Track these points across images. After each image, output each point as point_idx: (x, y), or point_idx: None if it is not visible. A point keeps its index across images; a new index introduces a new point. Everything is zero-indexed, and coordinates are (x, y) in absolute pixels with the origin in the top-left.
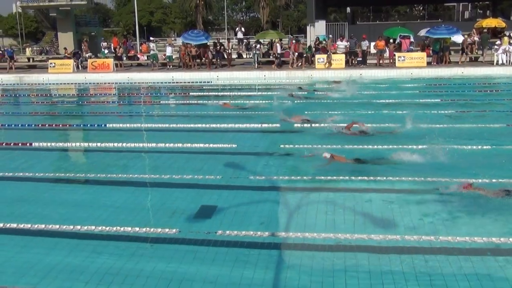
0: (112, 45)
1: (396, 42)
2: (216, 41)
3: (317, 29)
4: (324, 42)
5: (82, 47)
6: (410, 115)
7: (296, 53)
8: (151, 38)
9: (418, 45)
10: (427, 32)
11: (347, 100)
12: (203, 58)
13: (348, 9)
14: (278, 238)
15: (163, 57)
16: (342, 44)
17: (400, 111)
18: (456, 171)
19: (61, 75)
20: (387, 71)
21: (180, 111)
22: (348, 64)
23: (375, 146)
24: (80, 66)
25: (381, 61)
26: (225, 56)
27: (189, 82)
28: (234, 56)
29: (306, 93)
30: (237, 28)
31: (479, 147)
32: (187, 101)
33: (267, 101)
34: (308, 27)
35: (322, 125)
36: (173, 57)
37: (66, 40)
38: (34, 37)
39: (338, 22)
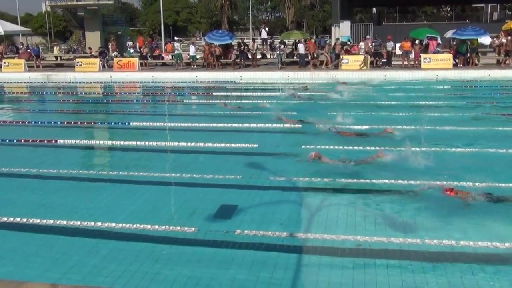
0: (137, 44)
1: (423, 43)
2: (240, 41)
3: (342, 30)
4: (349, 43)
5: (109, 46)
6: (432, 117)
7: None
8: (176, 38)
9: (445, 46)
10: (454, 34)
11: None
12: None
13: (374, 10)
14: (297, 239)
15: (188, 57)
16: (363, 45)
17: (422, 114)
18: (480, 174)
19: (87, 74)
20: (412, 73)
21: (202, 110)
22: (373, 65)
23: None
24: (106, 65)
25: (406, 62)
26: (249, 56)
27: (212, 82)
28: (258, 56)
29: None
30: (261, 28)
31: (506, 150)
32: (210, 101)
33: (289, 102)
34: (332, 28)
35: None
36: (197, 56)
37: (93, 39)
38: (62, 36)
39: (364, 22)
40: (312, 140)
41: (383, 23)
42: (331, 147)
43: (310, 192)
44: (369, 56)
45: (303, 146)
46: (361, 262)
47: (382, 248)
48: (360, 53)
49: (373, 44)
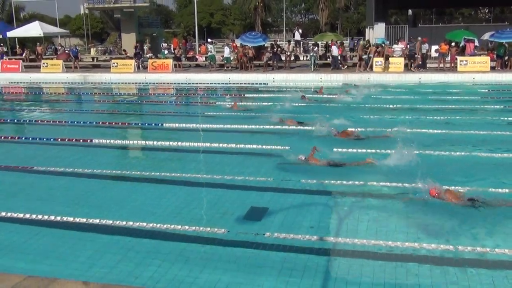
0: (172, 46)
1: (460, 46)
2: (273, 42)
3: (377, 32)
4: (383, 45)
5: (144, 47)
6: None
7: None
8: (209, 40)
9: (482, 49)
10: (492, 36)
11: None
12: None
13: (410, 11)
14: (327, 243)
15: (221, 58)
16: (398, 47)
17: (457, 117)
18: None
19: (122, 75)
20: (448, 75)
21: (234, 112)
22: (407, 67)
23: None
24: (141, 66)
25: (442, 65)
26: (282, 58)
27: (245, 84)
28: (292, 58)
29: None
30: (295, 30)
31: None
32: (242, 102)
33: (322, 104)
34: (367, 30)
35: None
36: (231, 58)
37: (129, 40)
38: (99, 37)
39: (399, 24)
40: (341, 143)
41: (419, 25)
42: (363, 150)
43: (341, 195)
44: (403, 59)
45: (335, 149)
46: (392, 266)
47: (414, 254)
48: (395, 55)
49: (408, 46)
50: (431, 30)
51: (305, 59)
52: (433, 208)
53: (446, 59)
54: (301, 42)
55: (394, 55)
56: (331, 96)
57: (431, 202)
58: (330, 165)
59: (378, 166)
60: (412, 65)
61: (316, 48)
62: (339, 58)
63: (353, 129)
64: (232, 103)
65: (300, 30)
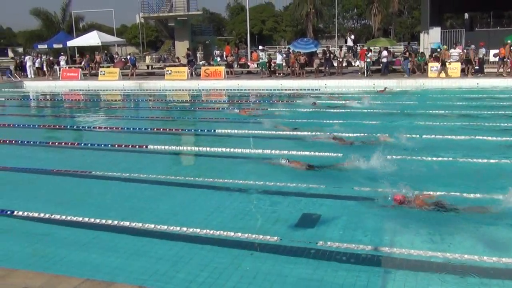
0: (224, 53)
1: None
2: (325, 48)
3: (432, 37)
4: (439, 50)
5: (197, 55)
6: None
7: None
8: (260, 47)
9: None
10: None
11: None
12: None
13: (466, 15)
14: (381, 252)
15: (273, 65)
16: (455, 52)
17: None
18: None
19: (176, 82)
20: (508, 81)
21: (286, 118)
22: (464, 72)
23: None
24: (194, 73)
25: (501, 70)
26: (334, 64)
27: (296, 90)
28: (344, 64)
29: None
30: (347, 36)
31: None
32: (293, 109)
33: (375, 110)
34: (421, 34)
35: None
36: (283, 64)
37: (182, 48)
38: (153, 45)
39: (455, 28)
40: (395, 150)
41: (476, 28)
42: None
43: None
44: (459, 64)
45: (389, 157)
46: (449, 279)
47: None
48: (451, 60)
49: (465, 50)
50: (489, 34)
51: (356, 65)
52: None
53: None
54: (353, 48)
55: (451, 60)
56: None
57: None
58: (308, 168)
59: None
60: (469, 70)
61: (370, 53)
62: (385, 63)
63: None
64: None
65: (353, 36)
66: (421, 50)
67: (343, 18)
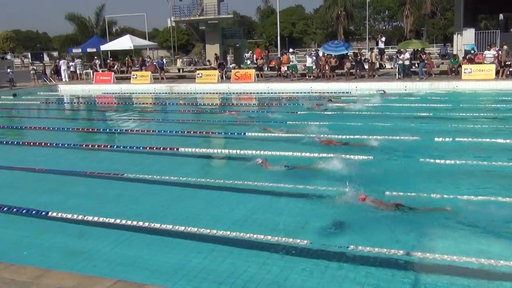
0: (254, 56)
1: None
2: (357, 51)
3: (465, 38)
4: (472, 51)
5: (227, 58)
6: None
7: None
8: (291, 50)
9: None
10: None
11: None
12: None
13: (501, 16)
14: (414, 258)
15: (303, 68)
16: (490, 53)
17: None
18: None
19: (206, 85)
20: None
21: (316, 121)
22: (499, 74)
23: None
24: (224, 76)
25: None
26: (365, 67)
27: (327, 93)
28: (375, 66)
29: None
30: (378, 38)
31: None
32: (324, 112)
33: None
34: (455, 36)
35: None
36: (313, 67)
37: (213, 51)
38: (184, 49)
39: (489, 30)
40: (429, 153)
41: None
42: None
43: (429, 209)
44: (494, 66)
45: (421, 160)
46: (484, 285)
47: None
48: (486, 62)
49: (500, 52)
50: None
51: (389, 67)
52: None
53: None
54: (385, 50)
55: (486, 62)
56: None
57: None
58: (285, 168)
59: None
60: (504, 72)
61: (402, 55)
62: (407, 66)
63: None
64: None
65: (384, 38)
66: (455, 52)
67: (374, 20)
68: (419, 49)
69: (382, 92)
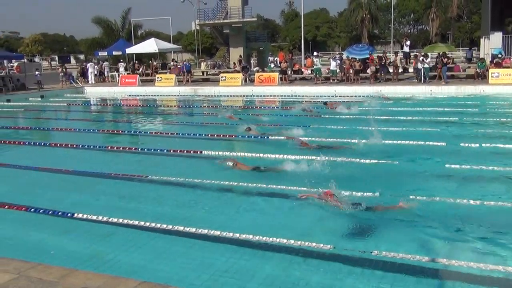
0: (278, 59)
1: None
2: (381, 54)
3: (493, 42)
4: (500, 55)
5: (251, 61)
6: None
7: None
8: (315, 53)
9: None
10: None
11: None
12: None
13: None
14: (439, 264)
15: (327, 71)
16: None
17: None
18: None
19: (230, 88)
20: None
21: (340, 125)
22: None
23: None
24: (248, 79)
25: None
26: (390, 70)
27: (351, 96)
28: (400, 70)
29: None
30: (403, 41)
31: None
32: (348, 116)
33: (430, 118)
34: (482, 40)
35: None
36: (337, 71)
37: (236, 54)
38: (208, 52)
39: None
40: (454, 159)
41: None
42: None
43: (453, 214)
44: None
45: (447, 165)
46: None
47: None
48: None
49: None
50: None
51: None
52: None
53: None
54: (410, 54)
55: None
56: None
57: None
58: (255, 169)
59: None
60: None
61: (428, 59)
62: (423, 70)
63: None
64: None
65: (409, 42)
66: (481, 55)
67: (399, 23)
68: (440, 53)
69: (383, 96)
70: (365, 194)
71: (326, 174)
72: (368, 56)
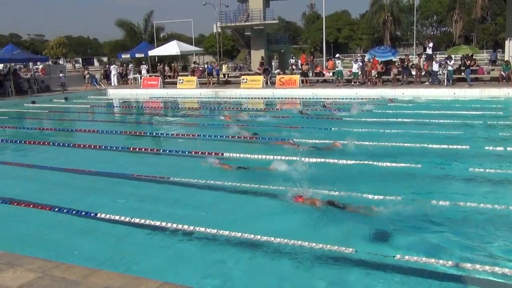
0: (299, 61)
1: None
2: (404, 57)
3: None
4: None
5: (272, 63)
6: None
7: None
8: (337, 55)
9: None
10: None
11: None
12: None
13: None
14: (463, 270)
15: (348, 74)
16: None
17: None
18: None
19: (251, 90)
20: None
21: (363, 127)
22: None
23: None
24: (269, 81)
25: None
26: (413, 73)
27: (372, 99)
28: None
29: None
30: (426, 43)
31: None
32: (370, 119)
33: (453, 121)
34: (507, 42)
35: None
36: (359, 73)
37: (258, 57)
38: (230, 54)
39: None
40: (477, 162)
41: None
42: None
43: (476, 219)
44: None
45: (470, 169)
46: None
47: None
48: None
49: None
50: None
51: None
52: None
53: None
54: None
55: None
56: None
57: None
58: (239, 168)
59: None
60: None
61: (453, 61)
62: (438, 73)
63: None
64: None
65: (431, 44)
66: (506, 58)
67: (421, 25)
68: (464, 55)
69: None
70: (386, 197)
71: (347, 176)
72: (391, 58)
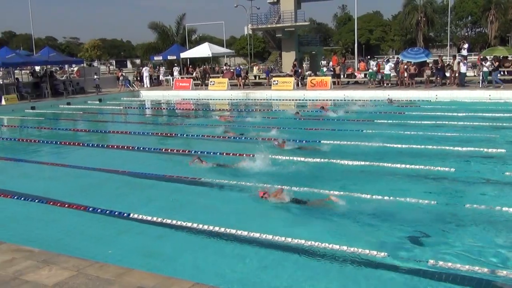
0: (331, 63)
1: None
2: (438, 58)
3: None
4: None
5: (303, 65)
6: None
7: None
8: (369, 57)
9: None
10: None
11: None
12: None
13: None
14: (499, 277)
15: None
16: None
17: None
18: None
19: (282, 92)
20: None
21: (394, 130)
22: None
23: None
24: (300, 83)
25: None
26: (447, 74)
27: (404, 101)
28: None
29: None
30: (460, 45)
31: None
32: (401, 121)
33: (487, 124)
34: None
35: None
36: (391, 75)
37: (289, 59)
38: (261, 56)
39: None
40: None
41: None
42: None
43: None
44: None
45: (507, 173)
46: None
47: None
48: None
49: None
50: None
51: (473, 75)
52: None
53: None
54: (467, 57)
55: None
56: None
57: None
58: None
59: None
60: None
61: (488, 63)
62: (466, 74)
63: None
64: None
65: (466, 45)
66: None
67: (456, 26)
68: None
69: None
70: (420, 201)
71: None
72: (424, 59)
